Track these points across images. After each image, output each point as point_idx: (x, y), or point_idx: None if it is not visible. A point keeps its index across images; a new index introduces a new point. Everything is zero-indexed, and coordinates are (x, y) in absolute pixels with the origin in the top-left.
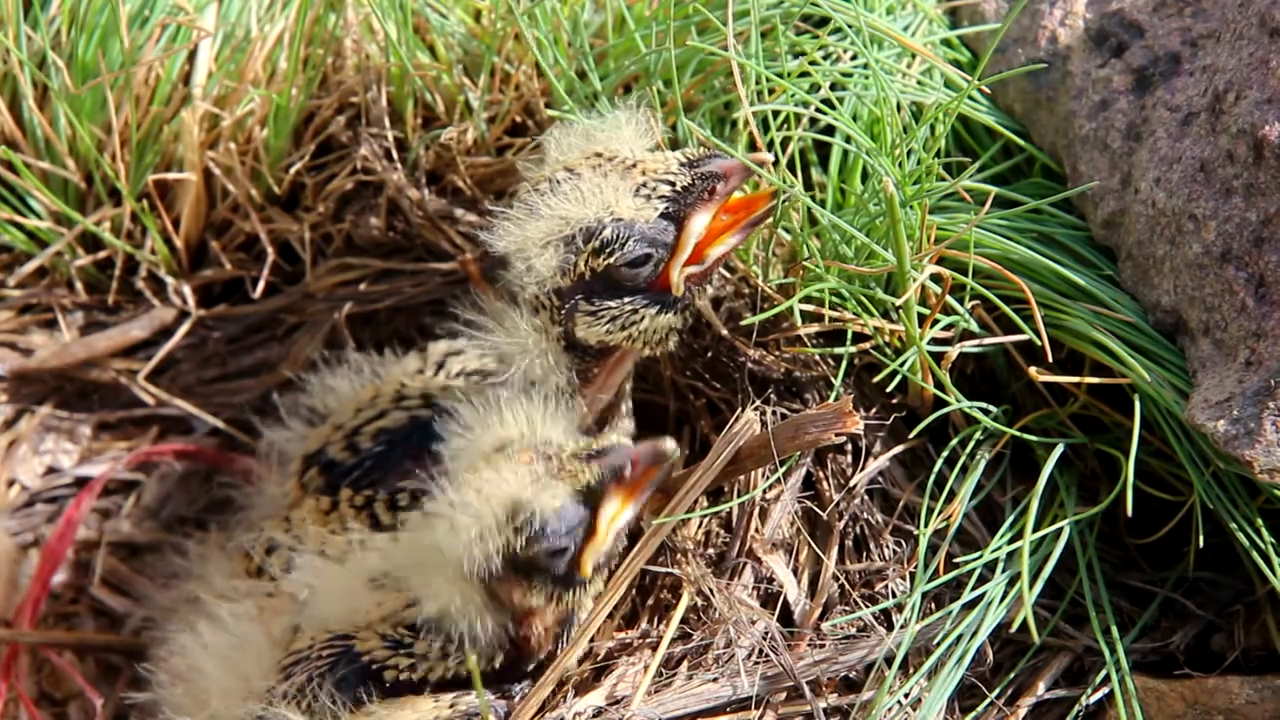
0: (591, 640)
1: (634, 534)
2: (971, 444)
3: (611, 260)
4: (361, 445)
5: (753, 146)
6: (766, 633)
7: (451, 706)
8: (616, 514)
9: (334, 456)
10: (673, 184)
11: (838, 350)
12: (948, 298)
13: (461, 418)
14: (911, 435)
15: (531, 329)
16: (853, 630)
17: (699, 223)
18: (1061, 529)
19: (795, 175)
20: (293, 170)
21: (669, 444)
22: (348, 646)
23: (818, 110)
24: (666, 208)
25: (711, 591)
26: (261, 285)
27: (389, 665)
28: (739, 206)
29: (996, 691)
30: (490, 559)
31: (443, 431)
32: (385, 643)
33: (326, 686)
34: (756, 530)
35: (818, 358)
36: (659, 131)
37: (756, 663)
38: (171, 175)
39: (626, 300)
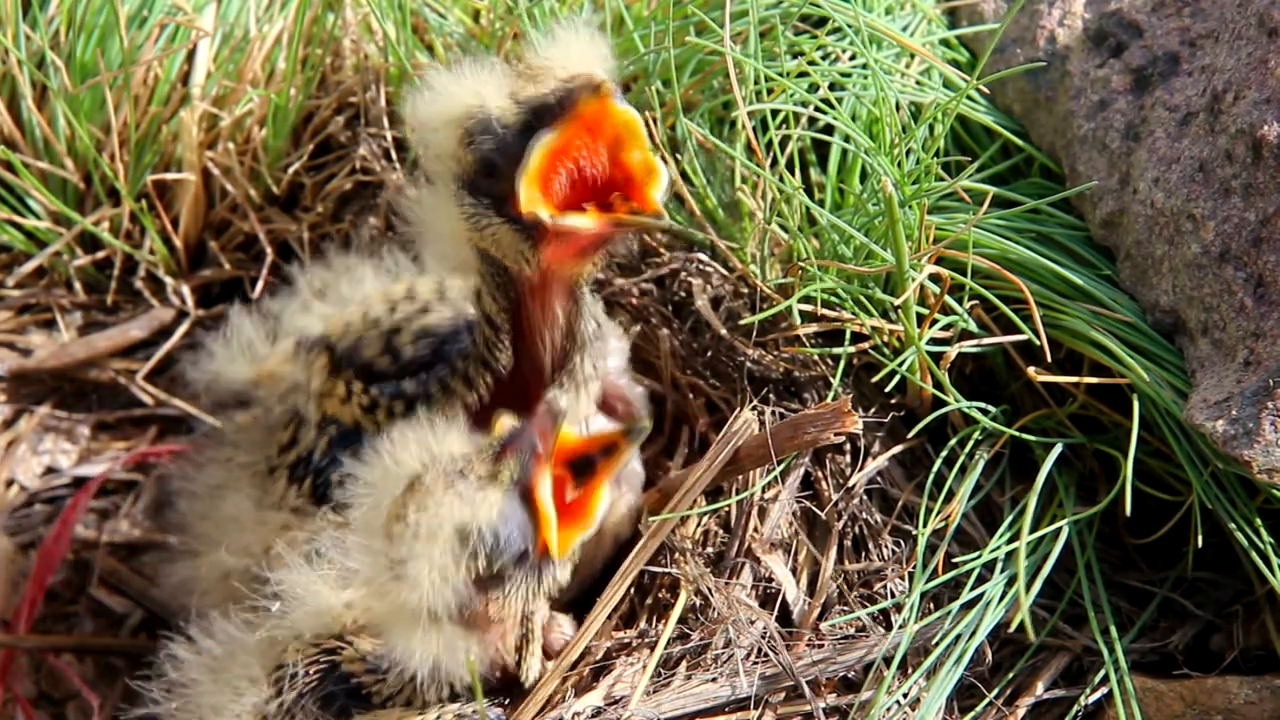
0: (590, 640)
1: (632, 535)
2: (970, 444)
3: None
4: (403, 350)
5: (751, 148)
6: (765, 632)
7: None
8: (560, 486)
9: (372, 361)
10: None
11: (836, 350)
12: (946, 298)
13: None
14: (910, 435)
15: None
16: (851, 630)
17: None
18: (1060, 529)
19: (794, 175)
20: (291, 170)
21: (559, 401)
22: (333, 663)
23: (816, 110)
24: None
25: (710, 591)
26: (260, 285)
27: (374, 690)
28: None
29: (995, 691)
30: (458, 592)
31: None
32: (367, 665)
33: (313, 702)
34: (755, 530)
35: (816, 357)
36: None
37: (755, 662)
38: (170, 175)
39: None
